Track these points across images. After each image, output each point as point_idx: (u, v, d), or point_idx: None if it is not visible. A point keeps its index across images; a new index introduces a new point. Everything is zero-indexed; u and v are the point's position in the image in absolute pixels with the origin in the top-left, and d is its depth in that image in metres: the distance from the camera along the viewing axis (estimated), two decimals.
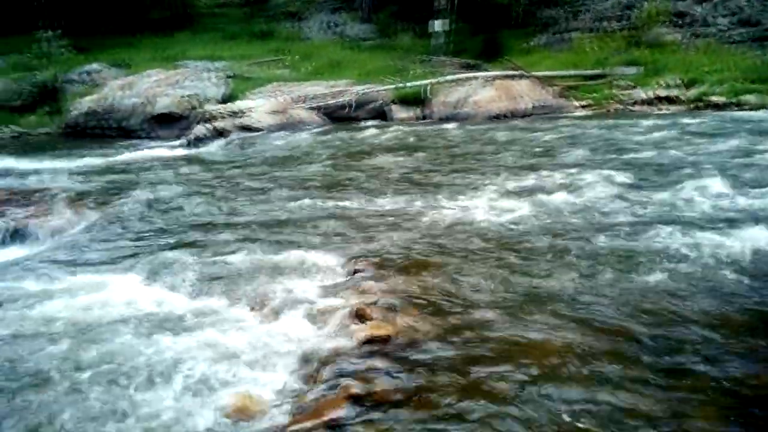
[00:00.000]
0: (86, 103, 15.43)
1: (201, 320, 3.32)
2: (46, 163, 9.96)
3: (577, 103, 14.24)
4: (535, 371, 2.61)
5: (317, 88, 15.71)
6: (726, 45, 16.29)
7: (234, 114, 13.32)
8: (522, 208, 5.30)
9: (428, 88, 14.63)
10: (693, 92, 13.45)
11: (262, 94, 15.50)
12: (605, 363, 2.66)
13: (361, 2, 24.84)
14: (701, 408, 2.34)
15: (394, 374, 2.63)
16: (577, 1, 20.34)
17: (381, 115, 14.57)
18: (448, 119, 13.54)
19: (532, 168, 7.14)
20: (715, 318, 3.08)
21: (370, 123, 13.71)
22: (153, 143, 13.15)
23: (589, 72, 15.61)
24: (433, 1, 20.31)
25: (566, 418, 2.28)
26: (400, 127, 12.35)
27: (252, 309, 3.47)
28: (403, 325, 3.07)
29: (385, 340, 2.94)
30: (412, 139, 10.64)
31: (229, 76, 17.16)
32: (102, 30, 22.83)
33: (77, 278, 4.08)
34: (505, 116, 13.45)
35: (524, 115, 13.54)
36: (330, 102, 14.44)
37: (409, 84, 14.91)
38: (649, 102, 13.61)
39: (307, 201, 6.03)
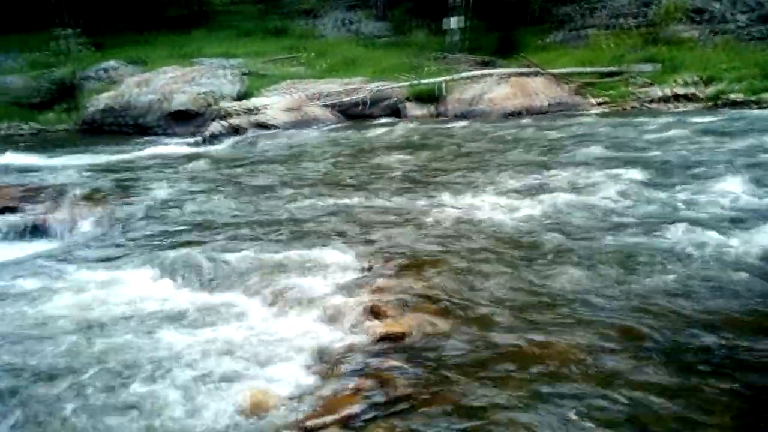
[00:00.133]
0: (103, 99, 15.55)
1: (217, 316, 3.35)
2: (64, 160, 10.07)
3: (593, 101, 14.14)
4: (546, 369, 2.61)
5: (332, 85, 15.74)
6: (745, 42, 16.08)
7: (249, 111, 13.39)
8: (536, 207, 5.28)
9: (443, 85, 14.60)
10: (711, 90, 13.29)
11: (276, 91, 15.57)
12: (618, 362, 2.64)
13: (376, 0, 24.86)
14: (710, 409, 2.32)
15: (410, 371, 2.64)
16: None
17: (395, 112, 14.58)
18: (462, 116, 13.50)
19: (546, 166, 7.10)
20: (727, 320, 3.04)
21: (384, 120, 13.72)
22: (169, 140, 13.22)
23: (606, 69, 15.48)
24: None
25: (574, 416, 2.27)
26: (415, 125, 12.34)
27: (267, 305, 3.48)
28: (417, 323, 3.08)
29: (400, 337, 2.96)
30: (426, 137, 10.62)
31: (244, 74, 17.22)
32: (119, 27, 23.14)
33: (95, 274, 4.12)
34: (520, 114, 13.39)
35: (540, 112, 13.47)
36: (344, 99, 14.47)
37: (423, 81, 14.90)
38: (666, 100, 13.48)
39: (320, 199, 6.05)
